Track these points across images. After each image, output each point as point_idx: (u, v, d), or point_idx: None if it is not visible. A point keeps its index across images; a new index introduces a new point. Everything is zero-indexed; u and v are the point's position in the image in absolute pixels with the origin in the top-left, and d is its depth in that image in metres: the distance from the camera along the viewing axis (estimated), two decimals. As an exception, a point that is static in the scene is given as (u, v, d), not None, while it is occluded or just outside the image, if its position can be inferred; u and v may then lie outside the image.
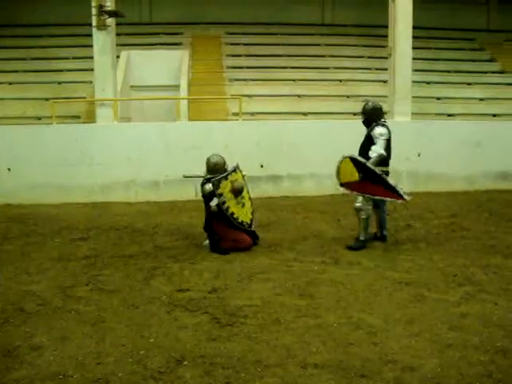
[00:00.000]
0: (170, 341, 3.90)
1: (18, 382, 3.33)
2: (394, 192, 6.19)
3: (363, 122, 6.61)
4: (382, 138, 6.34)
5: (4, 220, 8.33)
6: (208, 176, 6.44)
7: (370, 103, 6.64)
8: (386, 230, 6.77)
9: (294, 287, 5.04)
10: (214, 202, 6.29)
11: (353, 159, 6.29)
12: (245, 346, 3.80)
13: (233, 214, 6.36)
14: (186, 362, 3.57)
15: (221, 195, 6.30)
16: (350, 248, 6.35)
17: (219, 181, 6.34)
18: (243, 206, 6.52)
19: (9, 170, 9.79)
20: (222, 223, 6.39)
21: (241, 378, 3.36)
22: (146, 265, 5.86)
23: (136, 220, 8.25)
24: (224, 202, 6.30)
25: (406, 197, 6.21)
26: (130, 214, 8.78)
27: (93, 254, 6.35)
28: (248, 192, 6.74)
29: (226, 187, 6.36)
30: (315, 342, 3.86)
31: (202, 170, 6.59)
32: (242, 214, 6.49)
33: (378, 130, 6.36)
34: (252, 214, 6.69)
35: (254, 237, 6.61)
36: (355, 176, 6.25)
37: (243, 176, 6.74)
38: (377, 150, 6.32)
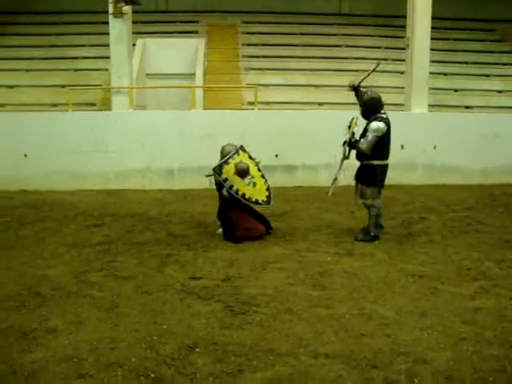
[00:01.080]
0: (183, 328, 3.93)
1: (34, 364, 3.38)
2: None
3: (362, 114, 6.40)
4: (374, 134, 6.14)
5: (20, 206, 8.43)
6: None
7: (368, 93, 6.37)
8: (382, 218, 6.65)
9: (306, 277, 5.04)
10: (224, 190, 6.31)
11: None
12: (257, 334, 3.82)
13: (244, 195, 6.30)
14: (198, 349, 3.59)
15: (226, 180, 6.28)
16: (358, 240, 6.34)
17: (220, 166, 6.35)
18: (254, 185, 6.43)
19: (25, 156, 9.88)
20: (236, 211, 6.40)
21: (253, 365, 3.37)
22: (159, 252, 5.89)
23: (150, 208, 8.30)
24: (231, 186, 6.27)
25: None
26: (144, 201, 8.84)
27: (107, 240, 6.40)
28: (260, 170, 6.67)
29: (229, 171, 6.33)
30: (327, 332, 3.86)
31: (216, 161, 6.58)
32: (255, 192, 6.40)
33: (375, 125, 6.16)
34: (268, 190, 6.58)
35: (268, 226, 6.61)
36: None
37: (252, 158, 6.68)
38: (360, 145, 6.20)
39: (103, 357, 3.48)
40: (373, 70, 6.71)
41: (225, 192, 6.32)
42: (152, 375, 3.25)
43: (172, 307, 4.33)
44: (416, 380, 3.20)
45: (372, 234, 6.39)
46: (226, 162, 6.39)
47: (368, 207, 6.38)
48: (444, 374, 3.28)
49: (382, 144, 6.23)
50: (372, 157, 6.24)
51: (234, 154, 6.51)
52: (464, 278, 5.08)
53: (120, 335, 3.80)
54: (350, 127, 6.41)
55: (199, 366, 3.37)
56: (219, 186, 6.41)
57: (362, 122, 6.41)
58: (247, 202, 6.32)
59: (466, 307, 4.34)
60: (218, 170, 6.33)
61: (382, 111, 6.32)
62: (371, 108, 6.31)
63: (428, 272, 5.21)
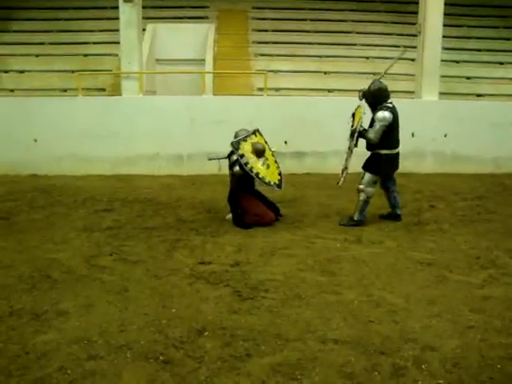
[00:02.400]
0: (192, 312, 3.96)
1: (46, 345, 3.43)
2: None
3: (368, 104, 6.44)
4: (381, 123, 6.20)
5: (30, 190, 8.49)
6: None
7: (375, 84, 6.41)
8: (400, 208, 6.71)
9: (315, 263, 5.05)
10: (237, 167, 6.33)
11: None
12: (265, 319, 3.84)
13: (258, 173, 6.32)
14: (206, 333, 3.62)
15: (242, 156, 6.29)
16: (341, 224, 6.42)
17: (238, 142, 6.38)
18: (268, 167, 6.47)
19: (35, 141, 9.93)
20: (246, 196, 6.41)
21: (261, 350, 3.40)
22: (168, 237, 5.92)
23: (159, 193, 8.33)
24: (247, 163, 6.28)
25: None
26: (154, 186, 8.87)
27: (116, 225, 6.44)
28: (273, 155, 6.71)
29: (247, 149, 6.36)
30: (335, 318, 3.88)
31: (226, 147, 6.57)
32: (269, 174, 6.43)
33: (380, 115, 6.23)
34: (280, 174, 6.62)
35: (277, 212, 6.62)
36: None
37: (267, 143, 6.70)
38: (368, 134, 6.27)
39: (113, 339, 3.52)
40: (398, 58, 6.74)
41: (237, 168, 6.32)
42: (161, 358, 3.29)
43: (181, 291, 4.36)
44: (423, 366, 3.22)
45: (355, 218, 6.45)
46: (245, 140, 6.42)
47: (358, 191, 6.41)
48: (451, 361, 3.30)
49: (389, 133, 6.28)
50: (380, 146, 6.32)
51: (251, 133, 6.57)
52: (473, 266, 5.07)
53: (129, 318, 3.84)
54: (354, 115, 6.43)
55: (207, 349, 3.40)
56: (232, 166, 6.41)
57: (368, 111, 6.43)
58: (260, 181, 6.35)
59: (474, 295, 4.33)
60: (235, 144, 6.34)
61: (389, 100, 6.34)
62: (377, 98, 6.35)
63: (437, 260, 5.21)
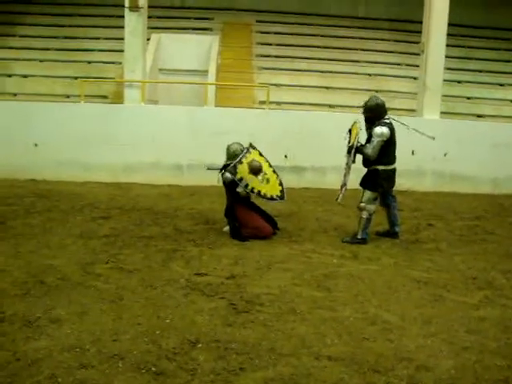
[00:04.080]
0: (186, 323, 3.93)
1: (37, 352, 3.40)
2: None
3: (366, 120, 6.46)
4: (378, 138, 6.22)
5: (28, 195, 8.47)
6: (225, 163, 6.47)
7: (372, 99, 6.44)
8: (398, 226, 6.71)
9: (311, 279, 5.03)
10: (240, 188, 6.33)
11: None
12: (260, 333, 3.81)
13: (260, 191, 6.36)
14: (200, 345, 3.59)
15: (241, 179, 6.30)
16: (344, 241, 6.40)
17: (235, 167, 6.36)
18: (268, 181, 6.50)
19: (35, 145, 9.93)
20: (243, 210, 6.40)
21: (255, 364, 3.37)
22: (165, 247, 5.90)
23: (158, 202, 8.32)
24: (247, 185, 6.31)
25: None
26: (152, 195, 8.86)
27: (113, 233, 6.42)
28: (271, 166, 6.73)
29: (243, 170, 6.36)
30: (330, 334, 3.85)
31: (223, 159, 6.60)
32: (270, 189, 6.47)
33: (379, 130, 6.25)
34: (281, 184, 6.65)
35: (274, 226, 6.61)
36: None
37: (263, 155, 6.72)
38: (365, 150, 6.29)
39: (105, 348, 3.49)
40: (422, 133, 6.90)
41: (243, 191, 6.34)
42: (153, 369, 3.26)
43: (175, 302, 4.33)
44: (418, 387, 3.19)
45: (359, 237, 6.43)
46: (240, 162, 6.41)
47: (360, 209, 6.41)
48: (446, 382, 3.27)
49: (386, 149, 6.31)
50: (377, 162, 6.34)
51: (246, 153, 6.54)
52: (469, 286, 5.05)
53: (123, 327, 3.81)
54: (350, 131, 6.45)
55: (200, 362, 3.37)
56: (229, 184, 6.41)
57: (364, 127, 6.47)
58: (264, 199, 6.40)
59: (470, 316, 4.31)
60: (232, 170, 6.34)
61: (386, 117, 6.37)
62: (375, 113, 6.36)
63: (433, 279, 5.19)
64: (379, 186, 6.40)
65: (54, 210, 7.54)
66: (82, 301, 4.27)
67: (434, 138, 7.10)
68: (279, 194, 6.55)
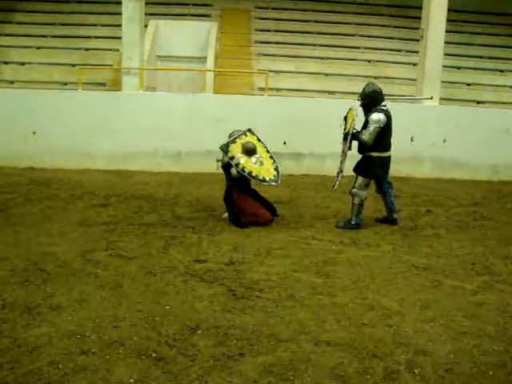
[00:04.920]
0: (186, 309, 3.95)
1: (38, 339, 3.42)
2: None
3: (362, 107, 6.46)
4: (375, 125, 6.23)
5: (27, 183, 8.46)
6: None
7: (369, 86, 6.45)
8: (396, 212, 6.72)
9: (311, 265, 5.05)
10: (232, 169, 6.35)
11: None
12: (259, 319, 3.83)
13: (251, 172, 6.33)
14: (200, 331, 3.61)
15: (233, 158, 6.31)
16: (338, 227, 6.44)
17: (227, 145, 6.41)
18: (262, 164, 6.47)
19: (34, 133, 9.89)
20: (243, 196, 6.41)
21: (254, 350, 3.39)
22: (164, 234, 5.91)
23: (157, 190, 8.31)
24: (238, 164, 6.30)
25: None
26: (151, 183, 8.85)
27: (113, 220, 6.42)
28: (268, 152, 6.71)
29: (236, 150, 6.38)
30: (329, 319, 3.87)
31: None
32: (262, 171, 6.43)
33: (375, 117, 6.26)
34: (276, 170, 6.60)
35: (273, 212, 6.61)
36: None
37: (261, 141, 6.71)
38: (362, 136, 6.28)
39: (105, 335, 3.51)
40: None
41: (234, 171, 6.33)
42: (153, 355, 3.28)
43: (175, 289, 4.35)
44: (416, 371, 3.22)
45: (353, 222, 6.47)
46: (233, 141, 6.44)
47: (352, 195, 6.43)
48: (444, 366, 3.29)
49: (381, 136, 6.32)
50: (371, 148, 6.34)
51: (241, 134, 6.60)
52: (468, 272, 5.07)
53: (123, 314, 3.83)
54: (346, 118, 6.44)
55: (200, 347, 3.39)
56: (226, 167, 6.42)
57: (360, 114, 6.46)
58: (255, 180, 6.35)
59: (468, 301, 4.34)
60: (224, 148, 6.37)
61: (383, 103, 6.36)
62: (372, 100, 6.36)
63: (432, 265, 5.21)
64: (372, 172, 6.41)
65: (53, 197, 7.54)
66: (82, 288, 4.29)
67: (431, 98, 7.09)
68: (272, 177, 6.47)
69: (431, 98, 7.27)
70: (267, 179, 6.41)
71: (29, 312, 3.80)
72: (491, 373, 3.24)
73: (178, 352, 3.33)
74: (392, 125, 6.43)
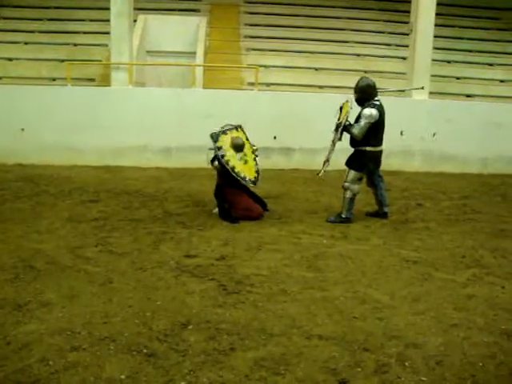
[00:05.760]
0: (176, 305, 3.94)
1: (28, 336, 3.39)
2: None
3: (356, 101, 6.46)
4: (366, 120, 6.24)
5: (16, 179, 8.40)
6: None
7: (363, 80, 6.46)
8: (387, 206, 6.75)
9: (302, 259, 5.05)
10: (216, 162, 6.37)
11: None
12: (250, 313, 3.83)
13: (234, 168, 6.31)
14: (191, 326, 3.60)
15: (220, 148, 6.31)
16: (329, 221, 6.45)
17: (218, 134, 6.42)
18: (246, 162, 6.47)
19: (22, 130, 9.81)
20: (233, 190, 6.40)
21: (245, 344, 3.39)
22: (154, 229, 5.89)
23: (147, 185, 8.28)
24: (223, 156, 6.29)
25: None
26: (141, 178, 8.82)
27: (103, 216, 6.39)
28: (254, 153, 6.69)
29: (225, 141, 6.39)
30: (321, 314, 3.87)
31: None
32: (245, 169, 6.42)
33: (367, 112, 6.26)
34: (257, 172, 6.58)
35: (264, 207, 6.61)
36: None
37: (248, 140, 6.70)
38: (352, 129, 6.29)
39: (96, 331, 3.48)
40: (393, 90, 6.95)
41: (216, 163, 6.34)
42: (144, 350, 3.26)
43: (166, 284, 4.34)
44: (407, 364, 3.23)
45: (343, 216, 6.48)
46: (225, 133, 6.44)
47: (344, 189, 6.44)
48: (434, 358, 3.31)
49: (374, 130, 6.32)
50: (364, 143, 6.35)
51: (232, 128, 6.60)
52: (458, 265, 5.10)
53: (113, 310, 3.81)
54: (341, 109, 6.46)
55: (191, 342, 3.38)
56: (212, 160, 6.43)
57: (355, 107, 6.47)
58: (235, 175, 6.31)
59: (458, 294, 4.36)
60: (214, 136, 6.37)
61: (376, 98, 6.36)
62: (365, 94, 6.36)
63: (422, 258, 5.24)
64: (365, 166, 6.42)
65: (42, 194, 7.48)
66: (72, 284, 4.26)
67: (423, 87, 7.17)
68: (252, 178, 6.45)
69: (422, 88, 7.31)
70: (247, 178, 6.40)
71: (18, 309, 3.77)
72: (481, 364, 3.26)
73: (169, 347, 3.32)
74: (384, 119, 6.43)
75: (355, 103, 6.47)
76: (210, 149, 6.62)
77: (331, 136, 6.48)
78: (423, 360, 3.28)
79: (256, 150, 6.76)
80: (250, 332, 3.55)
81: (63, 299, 3.97)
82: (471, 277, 4.79)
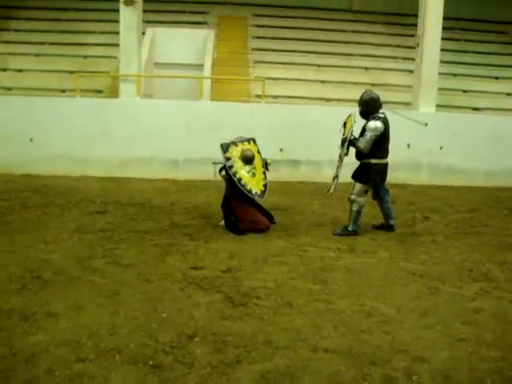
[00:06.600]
0: (183, 317, 3.94)
1: (34, 346, 3.40)
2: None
3: (361, 114, 6.50)
4: (371, 133, 6.26)
5: (24, 190, 8.45)
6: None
7: (367, 94, 6.50)
8: (393, 219, 6.74)
9: (308, 272, 5.04)
10: (223, 171, 6.39)
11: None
12: (256, 326, 3.82)
13: (240, 179, 6.30)
14: (197, 339, 3.60)
15: (229, 159, 6.31)
16: (335, 234, 6.44)
17: (228, 145, 6.42)
18: (254, 175, 6.46)
19: (31, 140, 9.89)
20: (240, 203, 6.40)
21: (251, 357, 3.38)
22: (161, 241, 5.90)
23: (154, 197, 8.31)
24: (231, 167, 6.29)
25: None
26: (148, 190, 8.85)
27: (110, 227, 6.41)
28: (263, 167, 6.70)
29: (235, 153, 6.38)
30: (327, 326, 3.86)
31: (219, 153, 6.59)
32: (252, 182, 6.40)
33: (372, 125, 6.29)
34: (265, 186, 6.56)
35: (271, 219, 6.61)
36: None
37: (260, 153, 6.71)
38: (358, 143, 6.32)
39: (102, 342, 3.49)
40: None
41: (223, 172, 6.34)
42: (150, 362, 3.26)
43: (172, 296, 4.34)
44: (414, 378, 3.21)
45: (350, 229, 6.48)
46: (235, 144, 6.45)
47: (350, 201, 6.45)
48: (442, 373, 3.29)
49: (379, 143, 6.34)
50: (370, 155, 6.37)
51: (245, 140, 6.61)
52: (465, 279, 5.07)
53: (120, 322, 3.81)
54: (345, 124, 6.48)
55: (197, 355, 3.38)
56: (220, 170, 6.45)
57: (359, 120, 6.48)
58: (241, 187, 6.29)
59: (466, 308, 4.33)
60: (224, 147, 6.37)
61: (381, 111, 6.40)
62: (369, 107, 6.40)
63: (429, 272, 5.21)
64: (370, 179, 6.43)
65: (49, 204, 7.52)
66: (79, 295, 4.27)
67: (426, 124, 7.25)
68: (259, 192, 6.43)
69: (426, 125, 7.49)
70: (253, 191, 6.37)
71: (25, 319, 3.78)
72: (488, 380, 3.23)
73: (174, 359, 3.31)
74: (389, 132, 6.45)
75: (359, 116, 6.50)
76: (214, 163, 6.64)
77: (338, 151, 6.49)
78: (430, 374, 3.26)
79: (269, 163, 6.78)
80: (256, 344, 3.54)
81: (70, 310, 3.98)
82: (479, 291, 4.76)
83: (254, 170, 6.46)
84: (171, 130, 9.97)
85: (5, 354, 3.30)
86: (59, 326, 3.70)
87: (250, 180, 6.39)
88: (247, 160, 6.41)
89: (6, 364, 3.19)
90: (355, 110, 6.56)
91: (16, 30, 14.91)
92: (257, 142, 6.78)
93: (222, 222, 6.56)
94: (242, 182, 6.31)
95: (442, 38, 10.90)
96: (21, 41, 14.40)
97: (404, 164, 10.00)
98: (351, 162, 6.49)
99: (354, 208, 6.42)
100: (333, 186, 6.46)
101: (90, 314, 3.94)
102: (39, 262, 5.06)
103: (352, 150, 6.44)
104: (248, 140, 6.66)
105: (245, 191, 6.32)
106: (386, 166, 6.51)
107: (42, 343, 3.44)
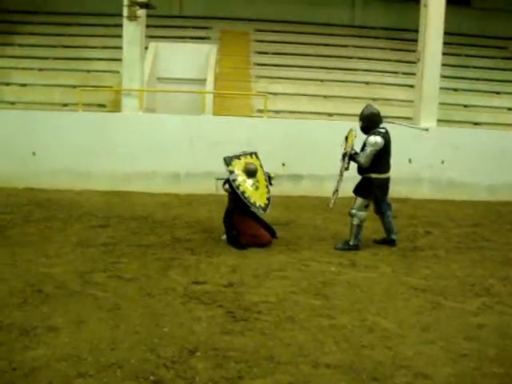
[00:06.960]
0: (184, 331, 3.92)
1: (34, 361, 3.38)
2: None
3: (361, 129, 6.52)
4: (371, 148, 6.28)
5: (26, 203, 8.46)
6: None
7: (368, 109, 6.53)
8: (395, 233, 6.73)
9: (309, 286, 5.03)
10: (226, 185, 6.40)
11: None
12: (258, 341, 3.80)
13: (244, 192, 6.30)
14: (198, 353, 3.58)
15: (232, 172, 6.33)
16: (337, 248, 6.43)
17: (231, 158, 6.44)
18: (257, 188, 6.46)
19: (33, 154, 9.93)
20: (242, 217, 6.40)
21: (253, 372, 3.36)
22: (163, 255, 5.90)
23: (155, 211, 8.31)
24: (235, 180, 6.31)
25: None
26: (150, 204, 8.86)
27: (112, 241, 6.41)
28: (266, 181, 6.71)
29: (238, 166, 6.40)
30: (328, 342, 3.84)
31: (223, 167, 6.60)
32: (255, 195, 6.40)
33: (372, 140, 6.31)
34: (268, 200, 6.57)
35: (273, 234, 6.61)
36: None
37: (262, 167, 6.73)
38: (358, 158, 6.34)
39: (103, 357, 3.47)
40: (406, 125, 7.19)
41: (226, 186, 6.36)
42: (151, 377, 3.25)
43: (174, 311, 4.33)
44: (416, 394, 3.19)
45: (351, 243, 6.47)
46: (238, 157, 6.48)
47: (351, 216, 6.46)
48: (444, 389, 3.26)
49: (380, 158, 6.36)
50: (371, 170, 6.39)
51: (248, 154, 6.64)
52: (467, 294, 5.05)
53: (121, 336, 3.80)
54: (346, 139, 6.51)
55: (199, 370, 3.36)
56: (223, 183, 6.47)
57: (360, 135, 6.51)
58: (245, 200, 6.30)
59: (468, 323, 4.31)
60: (228, 160, 6.40)
61: (381, 126, 6.42)
62: (370, 122, 6.43)
63: (431, 286, 5.19)
64: (372, 193, 6.44)
65: (51, 218, 7.53)
66: (80, 309, 4.26)
67: (427, 130, 7.34)
68: (263, 205, 6.44)
69: (427, 130, 7.56)
70: (257, 204, 6.38)
71: (26, 334, 3.77)
72: (492, 396, 3.21)
73: (176, 375, 3.30)
74: (391, 146, 6.47)
75: (360, 131, 6.52)
76: (217, 178, 6.66)
77: (339, 166, 6.51)
78: (433, 391, 3.24)
79: (273, 178, 6.81)
80: (258, 360, 3.52)
81: (70, 324, 3.96)
82: (481, 306, 4.74)
83: (257, 184, 6.47)
84: (173, 144, 10.01)
85: (5, 368, 3.29)
86: (60, 341, 3.69)
87: (254, 193, 6.40)
88: (250, 173, 6.43)
89: (5, 379, 3.17)
90: (356, 124, 6.59)
91: (20, 45, 15.07)
92: (259, 156, 6.81)
93: (224, 237, 6.56)
94: (246, 195, 6.32)
95: (443, 53, 10.97)
96: (24, 55, 14.55)
97: (405, 178, 10.01)
98: (353, 176, 6.50)
99: (355, 222, 6.43)
100: (333, 200, 6.47)
101: (91, 328, 3.92)
102: (40, 275, 5.05)
103: (354, 165, 6.45)
104: (250, 154, 6.69)
105: (249, 204, 6.33)
106: (387, 180, 6.52)
107: (42, 358, 3.43)
